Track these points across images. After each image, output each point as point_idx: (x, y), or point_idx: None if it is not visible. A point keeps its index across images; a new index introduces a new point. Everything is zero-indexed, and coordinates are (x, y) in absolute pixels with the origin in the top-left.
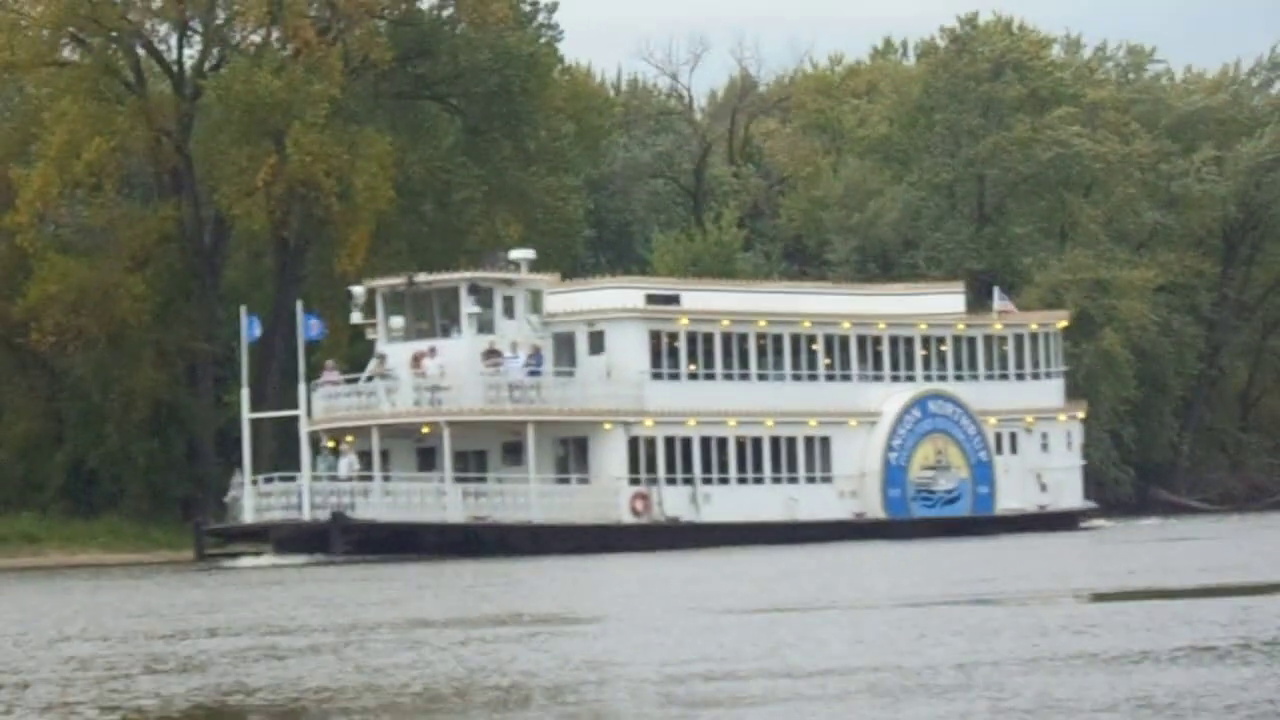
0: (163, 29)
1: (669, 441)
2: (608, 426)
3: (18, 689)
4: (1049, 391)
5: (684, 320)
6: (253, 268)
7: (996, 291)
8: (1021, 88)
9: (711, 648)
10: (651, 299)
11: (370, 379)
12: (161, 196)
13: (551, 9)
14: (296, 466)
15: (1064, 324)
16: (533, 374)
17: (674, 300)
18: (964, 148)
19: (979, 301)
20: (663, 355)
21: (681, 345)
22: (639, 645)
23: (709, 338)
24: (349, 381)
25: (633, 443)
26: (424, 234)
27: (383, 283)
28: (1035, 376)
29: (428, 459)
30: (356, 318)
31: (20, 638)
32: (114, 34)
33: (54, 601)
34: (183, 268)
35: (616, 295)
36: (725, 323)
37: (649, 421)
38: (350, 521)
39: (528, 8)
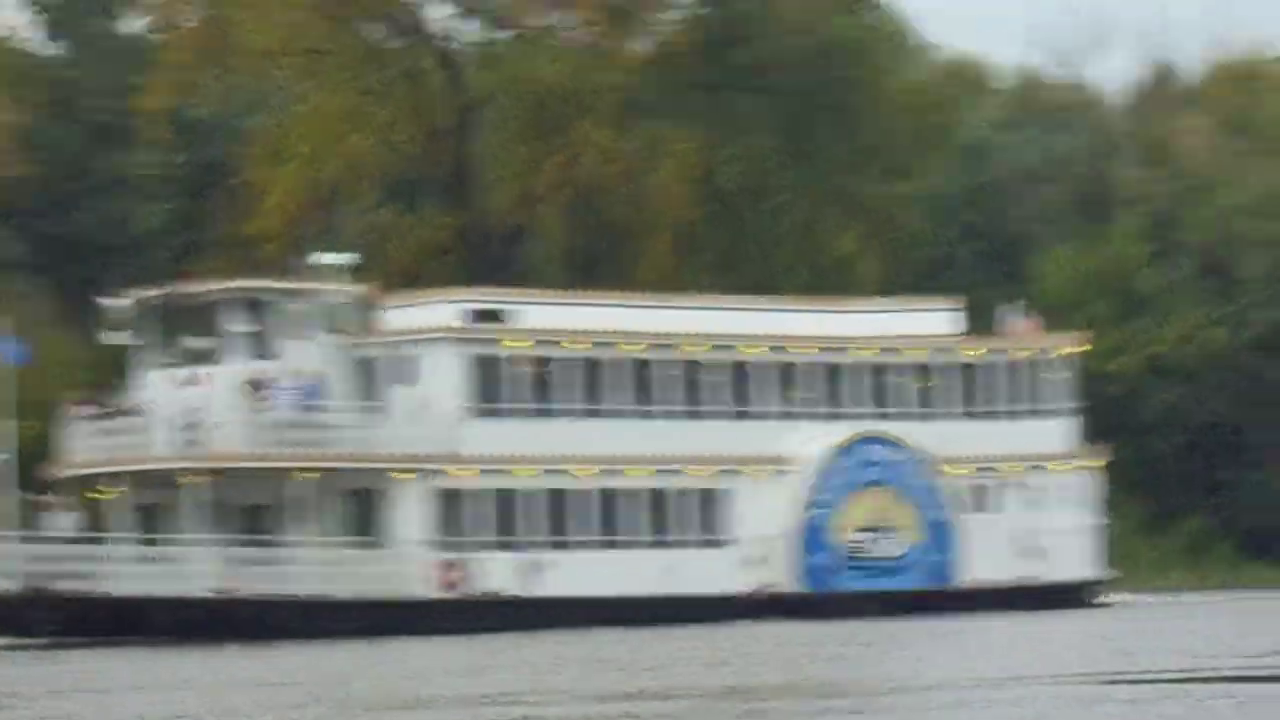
0: (438, 12)
1: (490, 496)
2: (400, 476)
3: None
4: (1048, 434)
5: (517, 342)
6: (551, 284)
7: (1015, 308)
8: None
9: None
10: (475, 315)
11: (116, 415)
12: (436, 203)
13: None
14: None
15: (1079, 349)
16: (310, 410)
17: (500, 317)
18: None
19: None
20: (489, 388)
21: (512, 374)
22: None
23: (556, 365)
24: (102, 417)
25: (439, 496)
26: (734, 248)
27: (140, 293)
28: (1031, 414)
29: (205, 515)
30: (116, 337)
31: None
32: (379, 16)
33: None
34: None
35: (428, 313)
36: (574, 344)
37: (460, 470)
38: (52, 595)
39: None
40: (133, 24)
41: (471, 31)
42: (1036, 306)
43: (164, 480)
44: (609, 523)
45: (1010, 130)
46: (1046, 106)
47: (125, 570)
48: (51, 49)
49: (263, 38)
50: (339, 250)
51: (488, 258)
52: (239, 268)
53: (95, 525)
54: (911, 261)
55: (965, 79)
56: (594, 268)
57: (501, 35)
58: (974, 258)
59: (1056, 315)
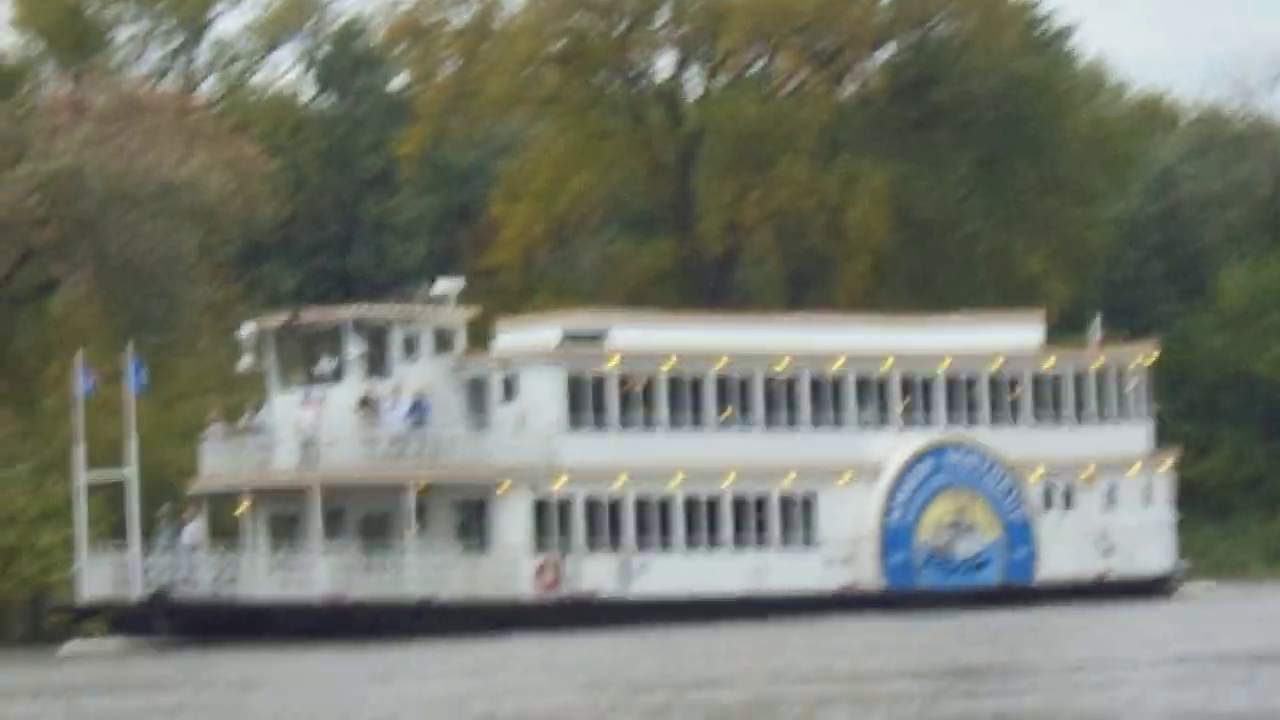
0: (659, 61)
1: (589, 503)
2: (504, 487)
3: None
4: (1123, 438)
5: (612, 361)
6: (764, 306)
7: (1097, 322)
8: None
9: None
10: (570, 337)
11: (244, 433)
12: (659, 233)
13: (1064, 34)
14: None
15: (1149, 359)
16: (417, 425)
17: (598, 338)
18: None
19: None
20: (585, 403)
21: (610, 391)
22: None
23: (650, 382)
24: (232, 435)
25: (539, 505)
26: (929, 270)
27: (268, 320)
28: (1104, 420)
29: (333, 525)
30: (246, 362)
31: None
32: (605, 64)
33: None
34: (683, 308)
35: (529, 335)
36: (670, 362)
37: (561, 480)
38: (174, 600)
39: (1042, 31)
40: (393, 79)
41: (690, 77)
42: (1220, 317)
43: (289, 494)
44: (701, 528)
45: (1195, 158)
46: (1228, 137)
47: (248, 576)
48: (324, 102)
49: (500, 88)
50: (572, 279)
51: (705, 283)
52: (482, 298)
53: (228, 536)
54: (1098, 280)
55: (1152, 113)
56: (801, 291)
57: (716, 80)
58: (1159, 276)
59: (1238, 326)
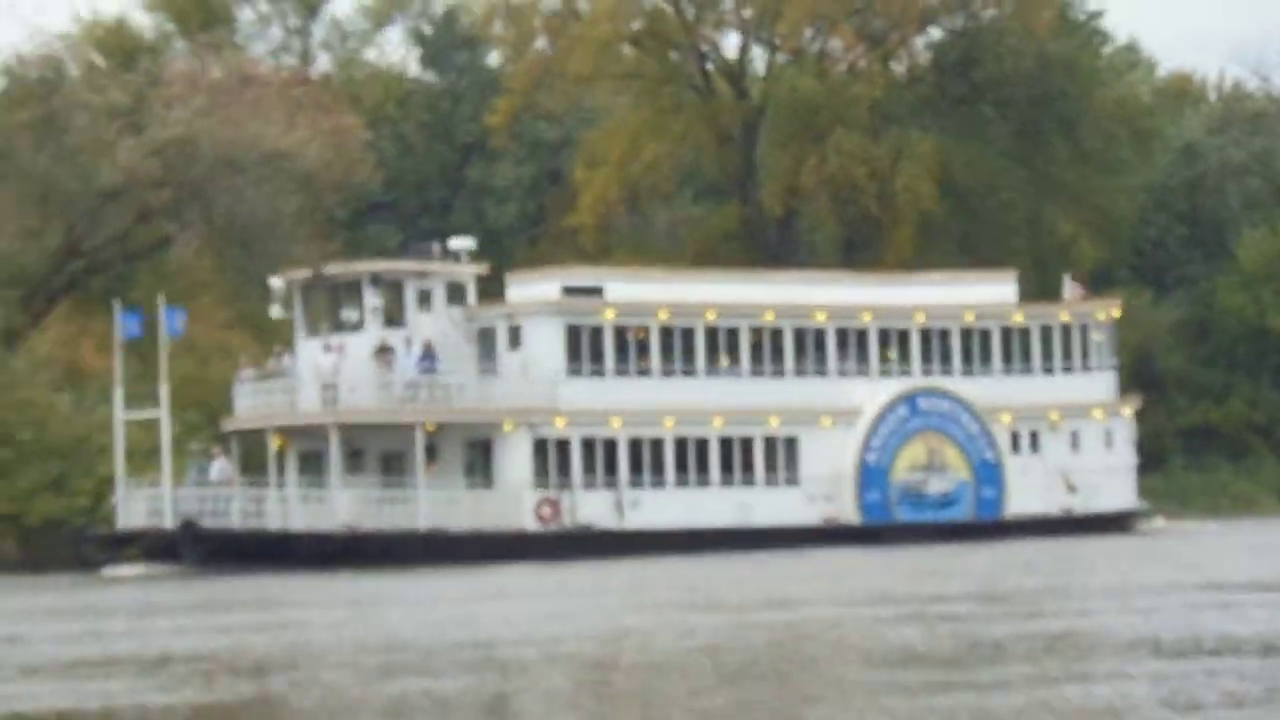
0: (726, 41)
1: (586, 443)
2: (508, 427)
3: None
4: (1087, 386)
5: (609, 313)
6: (816, 265)
7: (1066, 280)
8: None
9: None
10: (569, 291)
11: (269, 378)
12: (725, 198)
13: (1096, 17)
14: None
15: (1115, 313)
16: (426, 372)
17: (596, 292)
18: None
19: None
20: (583, 351)
21: (607, 341)
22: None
23: (644, 332)
24: (262, 379)
25: (539, 444)
26: (970, 233)
27: (297, 274)
28: (1068, 370)
29: (355, 462)
30: (277, 312)
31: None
32: (678, 43)
33: None
34: (748, 267)
35: (534, 288)
36: (662, 315)
37: (560, 422)
38: (201, 529)
39: (1082, 16)
40: (491, 56)
41: (755, 56)
42: (1240, 278)
43: (313, 433)
44: (691, 466)
45: (1218, 133)
46: (1248, 113)
47: (274, 508)
48: (429, 77)
49: (583, 65)
50: (646, 240)
51: (767, 244)
52: (565, 256)
53: (259, 471)
54: (1126, 244)
55: (1180, 90)
56: (854, 252)
57: (778, 58)
58: (1184, 240)
59: (1256, 285)
